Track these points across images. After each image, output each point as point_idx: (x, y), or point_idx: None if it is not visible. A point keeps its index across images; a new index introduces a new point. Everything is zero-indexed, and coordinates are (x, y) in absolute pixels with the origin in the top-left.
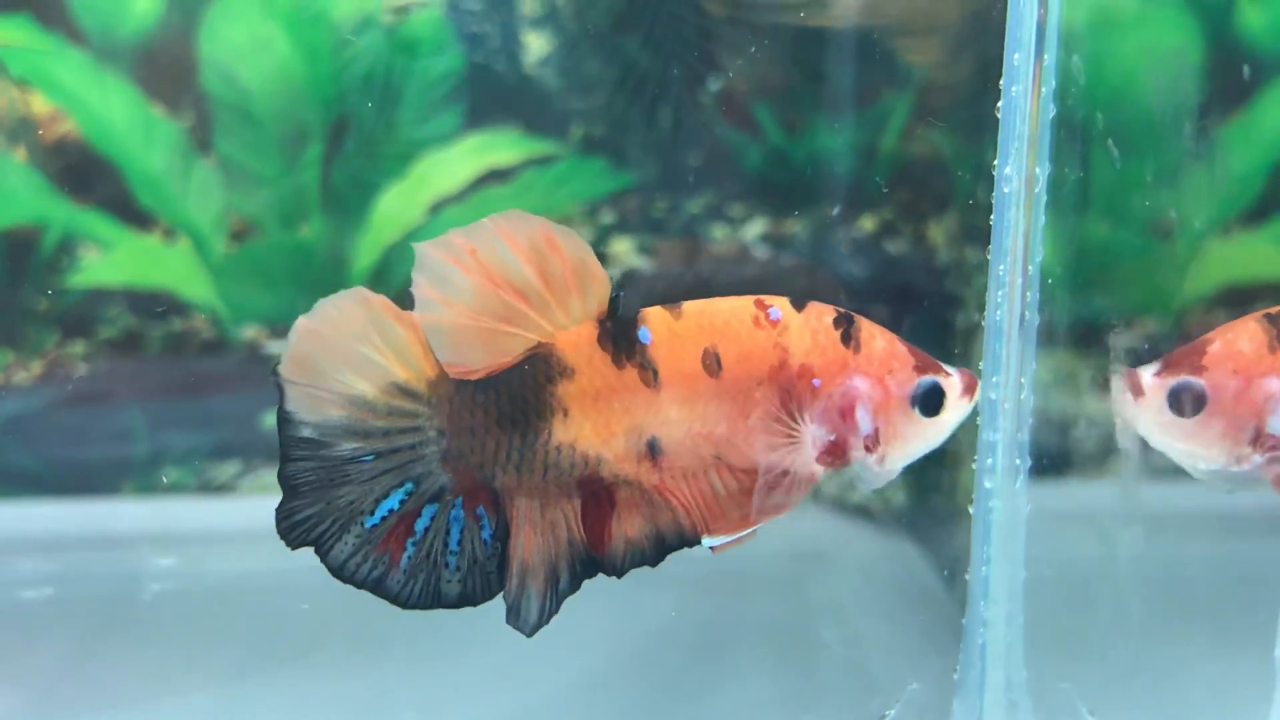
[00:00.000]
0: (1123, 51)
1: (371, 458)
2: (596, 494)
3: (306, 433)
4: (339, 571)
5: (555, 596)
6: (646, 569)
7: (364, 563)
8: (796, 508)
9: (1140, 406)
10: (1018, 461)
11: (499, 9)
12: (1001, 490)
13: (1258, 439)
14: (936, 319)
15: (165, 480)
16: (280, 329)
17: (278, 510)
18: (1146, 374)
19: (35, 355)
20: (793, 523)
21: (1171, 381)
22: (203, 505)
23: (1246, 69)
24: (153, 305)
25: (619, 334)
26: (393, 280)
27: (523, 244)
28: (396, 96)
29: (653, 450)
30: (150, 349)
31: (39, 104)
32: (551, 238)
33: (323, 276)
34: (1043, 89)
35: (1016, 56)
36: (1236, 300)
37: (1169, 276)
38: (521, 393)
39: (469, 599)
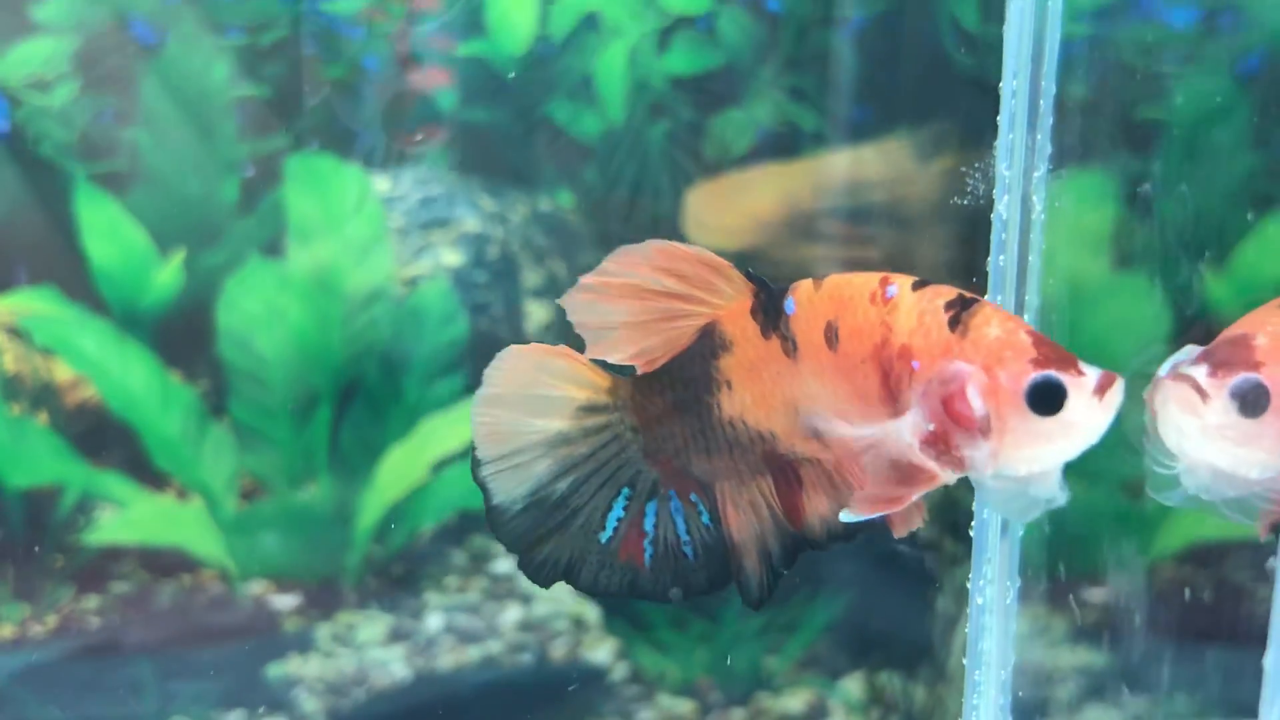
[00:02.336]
0: (1094, 325)
1: (585, 481)
2: (784, 471)
3: (521, 506)
4: (593, 589)
5: (771, 572)
6: None
7: (613, 575)
8: None
9: (1202, 413)
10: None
11: (503, 281)
12: None
13: None
14: None
15: None
16: (286, 583)
17: (519, 563)
18: (1199, 374)
19: (50, 610)
20: None
21: (1232, 380)
22: None
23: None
24: (165, 562)
25: (769, 304)
26: (397, 537)
27: (644, 266)
28: (404, 363)
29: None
30: (161, 603)
31: (62, 371)
32: (664, 250)
33: (329, 534)
34: None
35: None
36: (1204, 559)
37: (1140, 535)
38: (691, 372)
39: (716, 584)
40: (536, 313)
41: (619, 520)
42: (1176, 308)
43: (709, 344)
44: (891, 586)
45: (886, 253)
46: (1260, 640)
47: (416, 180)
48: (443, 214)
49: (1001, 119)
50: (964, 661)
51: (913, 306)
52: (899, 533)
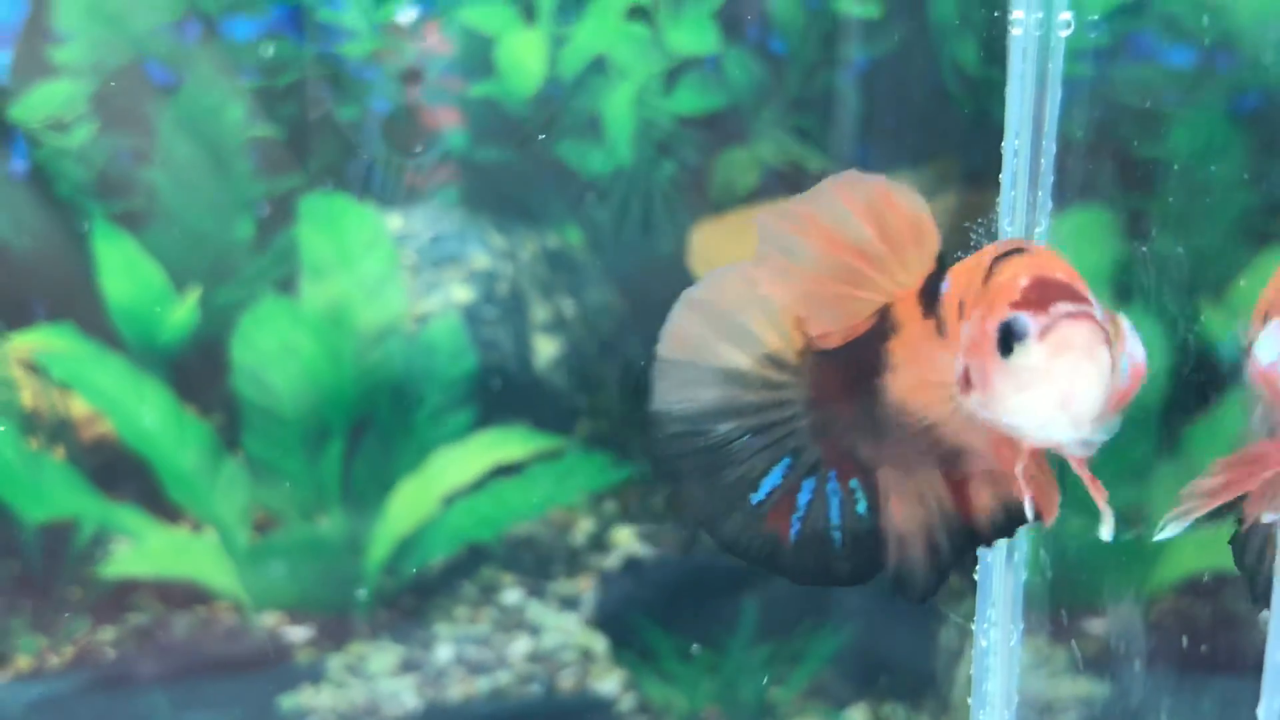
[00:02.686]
0: None
1: (748, 435)
2: (952, 461)
3: (679, 427)
4: (731, 548)
5: (938, 567)
6: None
7: (755, 539)
8: None
9: None
10: None
11: (512, 316)
12: None
13: None
14: None
15: None
16: (299, 615)
17: (667, 498)
18: None
19: (67, 641)
20: None
21: None
22: None
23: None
24: (179, 594)
25: (931, 286)
26: (406, 569)
27: (860, 204)
28: (415, 398)
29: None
30: (175, 635)
31: (78, 406)
32: (888, 194)
33: (339, 565)
34: None
35: None
36: (1201, 591)
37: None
38: (864, 354)
39: (859, 576)
40: (545, 348)
41: (774, 488)
42: (1175, 342)
43: (880, 327)
44: (896, 617)
45: None
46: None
47: (428, 218)
48: (454, 251)
49: (1004, 177)
50: (969, 700)
51: (977, 260)
52: (1049, 520)
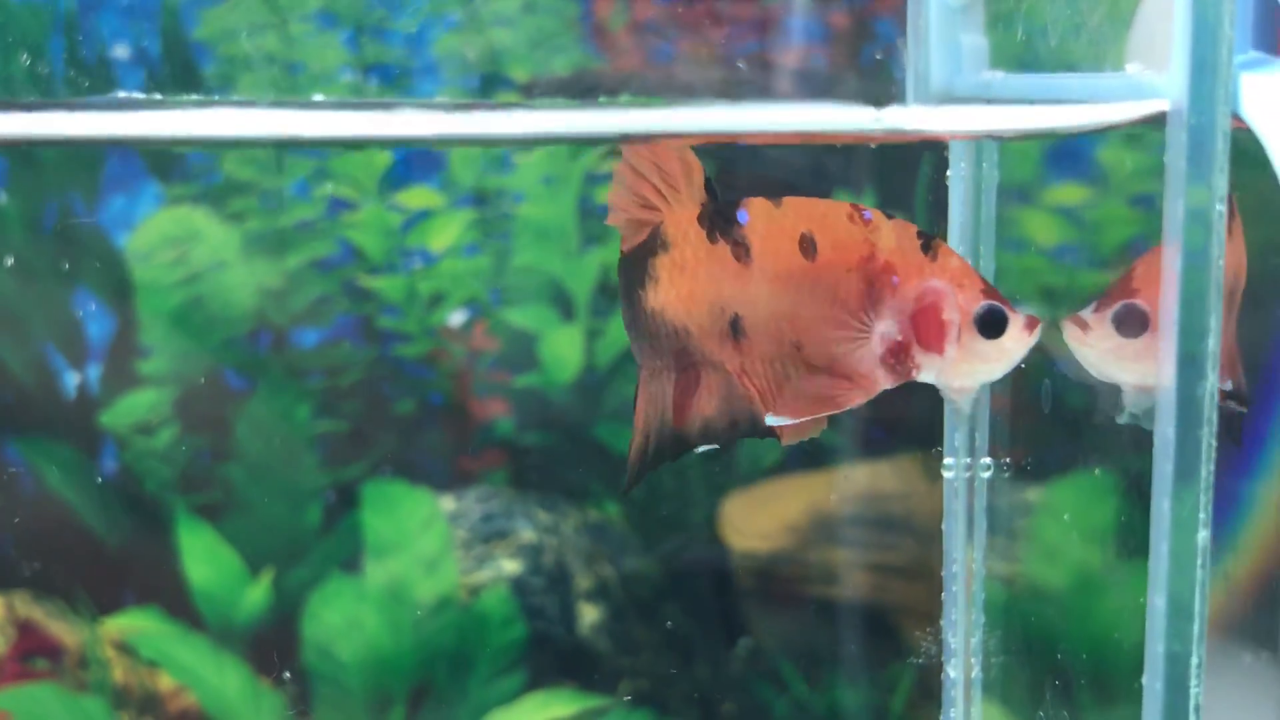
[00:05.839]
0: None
1: None
2: (687, 370)
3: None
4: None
5: (644, 465)
6: None
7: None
8: None
9: (1089, 342)
10: None
11: (557, 586)
12: None
13: None
14: None
15: None
16: None
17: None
18: (1086, 312)
19: None
20: None
21: (1111, 308)
22: None
23: None
24: None
25: (716, 213)
26: None
27: (645, 151)
28: (469, 664)
29: (735, 330)
30: None
31: (165, 681)
32: (665, 147)
33: None
34: None
35: None
36: None
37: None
38: (633, 263)
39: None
40: (589, 614)
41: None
42: None
43: (650, 243)
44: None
45: (906, 559)
46: None
47: (478, 498)
48: (502, 527)
49: None
50: None
51: (891, 229)
52: (788, 441)
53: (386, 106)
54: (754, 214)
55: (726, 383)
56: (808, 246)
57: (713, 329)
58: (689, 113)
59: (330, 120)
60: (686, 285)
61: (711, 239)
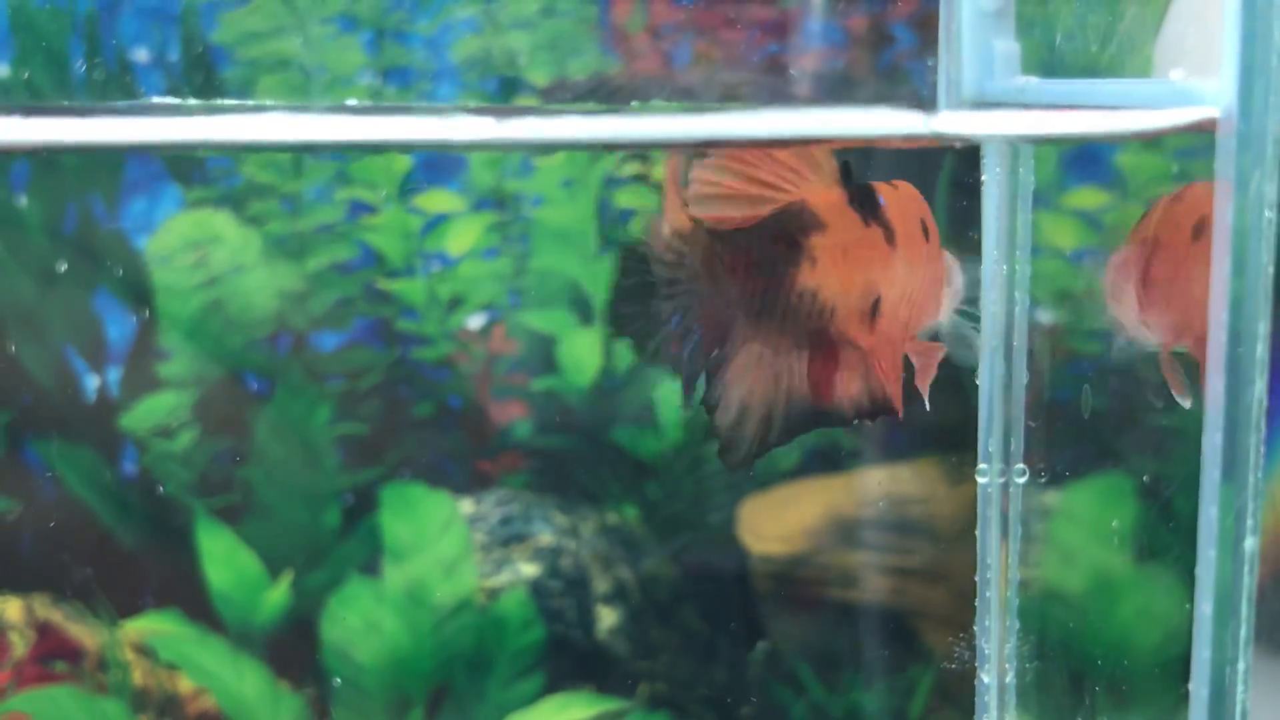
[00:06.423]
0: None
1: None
2: (824, 350)
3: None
4: (652, 359)
5: (764, 442)
6: None
7: (663, 363)
8: None
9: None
10: None
11: (575, 589)
12: None
13: None
14: None
15: None
16: None
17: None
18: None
19: None
20: None
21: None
22: None
23: None
24: None
25: (863, 196)
26: None
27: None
28: (487, 668)
29: (875, 312)
30: None
31: (184, 684)
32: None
33: None
34: None
35: None
36: None
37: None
38: (773, 241)
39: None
40: (607, 617)
41: (671, 331)
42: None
43: (798, 220)
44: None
45: (922, 562)
46: None
47: (497, 501)
48: (521, 530)
49: None
50: None
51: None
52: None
53: (406, 111)
54: (886, 196)
55: (864, 361)
56: (924, 230)
57: (857, 310)
58: (741, 119)
59: (352, 125)
60: (845, 267)
61: (865, 222)
